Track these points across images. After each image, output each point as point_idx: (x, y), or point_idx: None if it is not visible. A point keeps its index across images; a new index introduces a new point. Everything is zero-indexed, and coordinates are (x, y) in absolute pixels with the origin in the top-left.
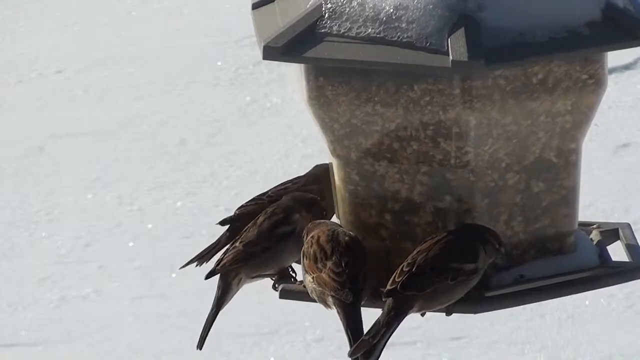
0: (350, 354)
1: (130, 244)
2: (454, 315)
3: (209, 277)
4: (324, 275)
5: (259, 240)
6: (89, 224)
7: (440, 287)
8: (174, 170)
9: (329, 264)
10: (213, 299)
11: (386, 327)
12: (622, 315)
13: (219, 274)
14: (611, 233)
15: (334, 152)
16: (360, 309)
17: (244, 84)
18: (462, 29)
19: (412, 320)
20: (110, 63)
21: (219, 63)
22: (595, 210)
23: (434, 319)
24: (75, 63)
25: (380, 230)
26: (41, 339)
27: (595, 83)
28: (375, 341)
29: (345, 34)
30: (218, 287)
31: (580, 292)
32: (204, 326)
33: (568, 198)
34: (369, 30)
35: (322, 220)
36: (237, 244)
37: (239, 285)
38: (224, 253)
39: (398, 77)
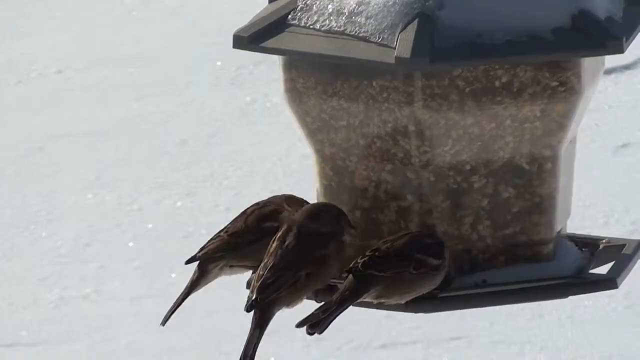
0: (297, 325)
1: (130, 244)
2: (454, 315)
3: (189, 263)
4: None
5: (245, 232)
6: (89, 224)
7: (401, 275)
8: (174, 170)
9: (262, 264)
10: (187, 282)
11: (338, 304)
12: (622, 315)
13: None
14: (617, 249)
15: (310, 147)
16: (264, 316)
17: (244, 84)
18: (415, 25)
19: (412, 320)
20: (110, 63)
21: (219, 63)
22: (595, 211)
23: (434, 319)
24: (75, 63)
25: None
26: (41, 339)
27: (566, 91)
28: (324, 316)
29: (311, 27)
30: (195, 272)
31: (537, 300)
32: (171, 306)
33: (542, 206)
34: (332, 23)
35: (305, 206)
36: (222, 233)
37: (216, 274)
38: (208, 241)
39: (360, 73)
